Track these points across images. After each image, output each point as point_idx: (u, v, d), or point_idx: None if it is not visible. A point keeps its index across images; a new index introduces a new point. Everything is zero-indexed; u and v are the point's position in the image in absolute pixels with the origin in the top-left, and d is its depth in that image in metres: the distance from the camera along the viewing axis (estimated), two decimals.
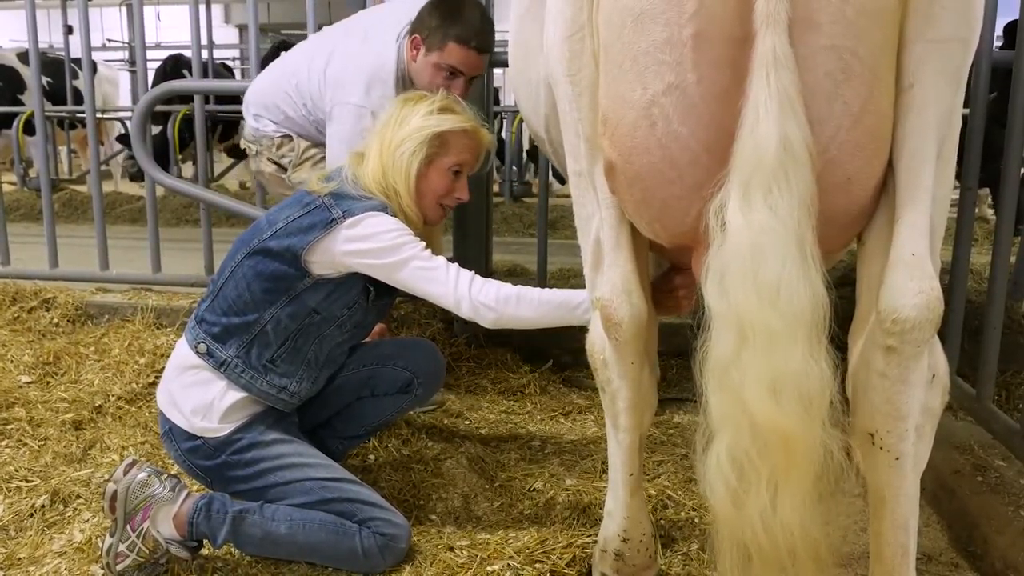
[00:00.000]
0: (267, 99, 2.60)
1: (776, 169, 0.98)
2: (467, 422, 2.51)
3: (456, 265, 1.71)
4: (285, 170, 2.62)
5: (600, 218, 1.37)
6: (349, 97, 2.34)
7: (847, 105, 1.04)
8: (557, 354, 2.95)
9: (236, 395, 1.75)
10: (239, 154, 6.43)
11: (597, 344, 1.48)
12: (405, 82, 2.32)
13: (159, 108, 5.51)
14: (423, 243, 1.72)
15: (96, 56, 9.01)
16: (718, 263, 1.01)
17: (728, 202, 1.01)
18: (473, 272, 1.71)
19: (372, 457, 2.23)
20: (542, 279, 3.14)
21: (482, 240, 3.10)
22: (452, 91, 2.10)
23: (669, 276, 1.57)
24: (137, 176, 6.52)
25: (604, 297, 1.39)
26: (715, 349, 1.01)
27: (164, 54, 7.54)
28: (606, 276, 1.39)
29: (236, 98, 6.65)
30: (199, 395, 1.74)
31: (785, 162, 0.98)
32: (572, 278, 3.60)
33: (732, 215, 1.00)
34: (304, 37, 2.87)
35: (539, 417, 2.56)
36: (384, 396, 1.98)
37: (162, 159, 5.18)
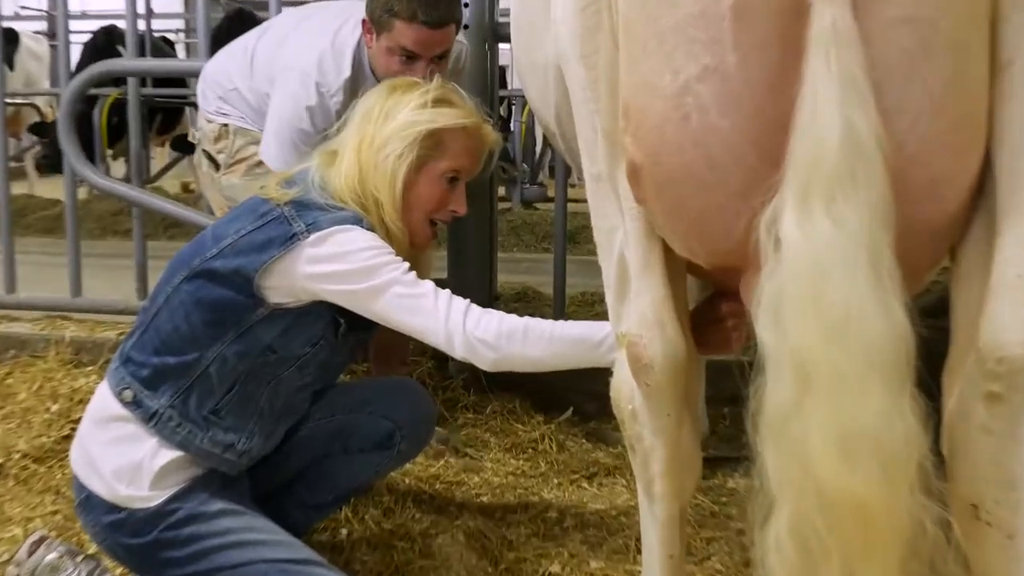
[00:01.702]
0: (218, 69, 2.71)
1: (840, 170, 0.99)
2: (464, 487, 2.50)
3: (447, 292, 1.73)
4: (219, 168, 2.69)
5: (624, 232, 1.38)
6: (298, 61, 2.44)
7: (928, 88, 1.05)
8: (578, 401, 2.95)
9: (170, 455, 1.75)
10: (183, 148, 6.48)
11: (624, 391, 1.48)
12: (365, 69, 2.48)
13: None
14: (406, 264, 1.74)
15: (19, 26, 9.11)
16: (771, 289, 1.02)
17: (782, 213, 1.02)
18: (469, 300, 1.73)
19: (344, 531, 2.23)
20: (559, 306, 3.15)
21: (484, 257, 3.12)
22: (413, 76, 2.15)
23: (714, 304, 1.57)
24: (48, 167, 6.52)
25: (631, 332, 1.39)
26: (771, 397, 1.01)
27: (92, 25, 7.65)
28: (633, 305, 1.39)
29: (179, 80, 6.81)
30: (124, 454, 1.75)
31: (852, 161, 0.99)
32: (598, 304, 3.60)
33: (787, 229, 1.01)
34: (264, 4, 2.94)
35: (556, 481, 2.56)
36: (359, 453, 2.00)
37: (85, 153, 5.22)
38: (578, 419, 2.94)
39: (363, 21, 2.42)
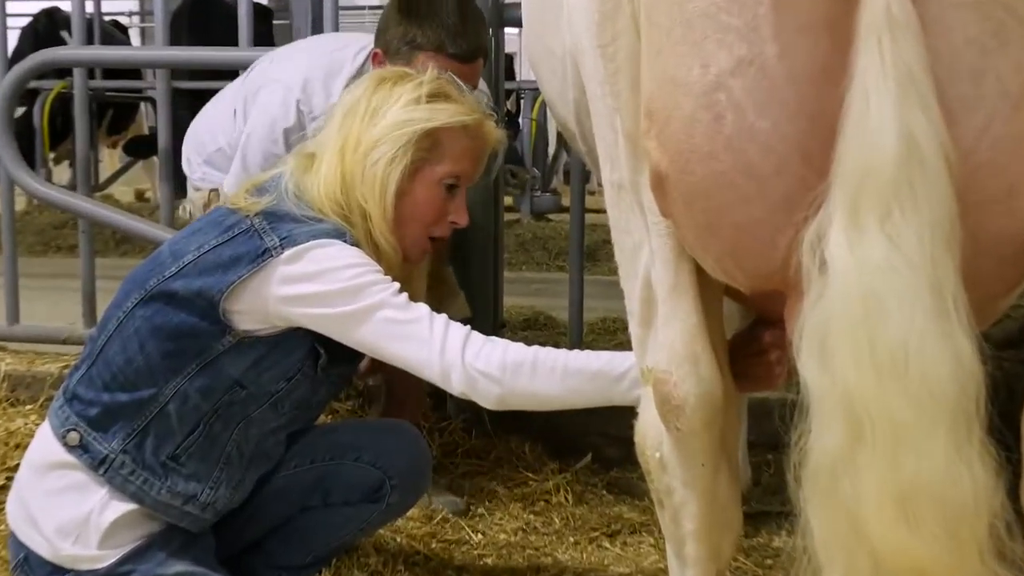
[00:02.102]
0: (199, 131, 2.80)
1: (897, 180, 1.00)
2: (466, 547, 2.49)
3: (444, 316, 1.74)
4: None
5: (650, 250, 1.39)
6: (284, 74, 2.47)
7: (1002, 84, 1.05)
8: (598, 445, 2.94)
9: (123, 508, 1.75)
10: (138, 151, 6.52)
11: (650, 436, 1.48)
12: None
13: None
14: (396, 285, 1.75)
15: None
16: (816, 320, 1.02)
17: (828, 230, 1.03)
18: (469, 328, 1.73)
19: None
20: (576, 335, 3.15)
21: (488, 276, 3.13)
22: None
23: (756, 332, 1.57)
24: None
25: (659, 367, 1.40)
26: (817, 447, 1.02)
27: (31, 7, 7.70)
28: (661, 336, 1.40)
29: (133, 71, 6.83)
30: (69, 507, 1.76)
31: (910, 169, 0.99)
32: (621, 332, 3.60)
33: (835, 249, 1.01)
34: None
35: (572, 539, 2.53)
36: (342, 506, 1.99)
37: (24, 157, 5.25)
38: (598, 467, 2.92)
39: (374, 54, 2.43)
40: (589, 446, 2.95)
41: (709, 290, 1.40)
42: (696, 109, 1.14)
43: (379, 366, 2.32)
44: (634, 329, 1.51)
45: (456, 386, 1.69)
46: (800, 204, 1.13)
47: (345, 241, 1.76)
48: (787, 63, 1.08)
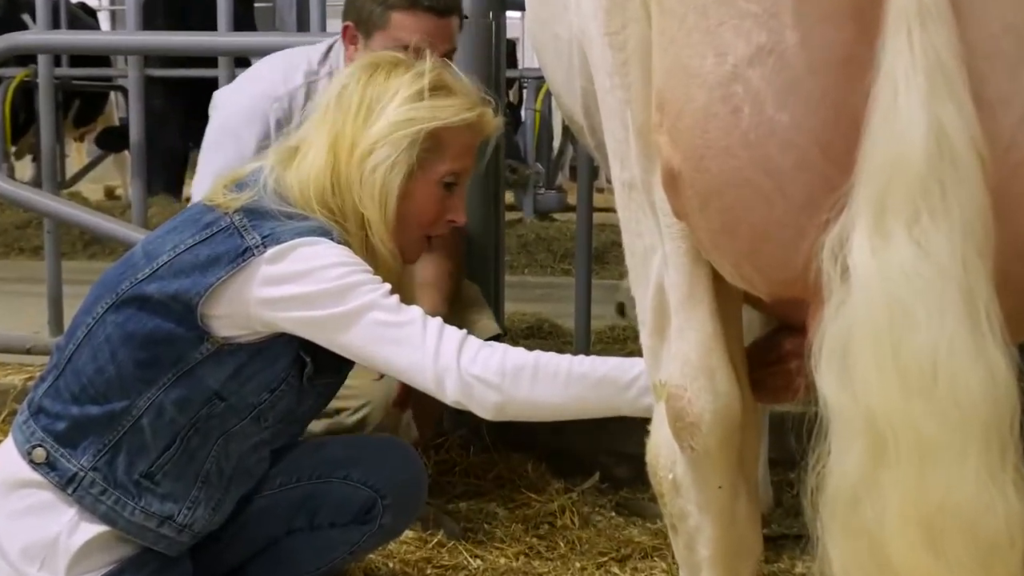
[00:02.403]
0: None
1: (926, 179, 1.00)
2: (464, 572, 2.49)
3: (438, 320, 1.74)
4: None
5: (663, 255, 1.39)
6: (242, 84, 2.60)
7: None
8: (607, 463, 2.94)
9: (93, 530, 1.75)
10: (109, 143, 6.51)
11: (663, 455, 1.48)
12: None
13: None
14: (387, 286, 1.75)
15: None
16: (837, 331, 1.02)
17: (851, 234, 1.03)
18: (465, 331, 1.74)
19: None
20: (583, 343, 3.16)
21: (488, 280, 3.12)
22: None
23: (776, 340, 1.57)
24: None
25: (672, 381, 1.39)
26: (837, 469, 1.01)
27: None
28: (674, 348, 1.39)
29: (102, 58, 6.80)
30: (35, 529, 1.76)
31: (940, 168, 1.00)
32: (631, 341, 3.60)
33: (858, 255, 1.01)
34: None
35: (578, 564, 2.52)
36: (330, 528, 2.00)
37: None
38: (606, 487, 2.93)
39: (344, 28, 2.51)
40: (597, 465, 2.95)
41: (727, 298, 1.39)
42: (711, 101, 1.14)
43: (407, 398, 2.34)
44: (645, 340, 1.51)
45: (451, 394, 1.69)
46: (823, 204, 1.12)
47: (331, 239, 1.76)
48: (809, 52, 1.08)
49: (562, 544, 2.62)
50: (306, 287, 1.71)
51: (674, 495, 1.47)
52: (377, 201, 1.80)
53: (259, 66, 2.75)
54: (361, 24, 2.47)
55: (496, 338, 2.64)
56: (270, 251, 1.72)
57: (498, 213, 3.20)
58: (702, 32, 1.13)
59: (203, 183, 2.50)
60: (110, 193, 8.53)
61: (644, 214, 1.42)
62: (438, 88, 1.85)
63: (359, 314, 1.70)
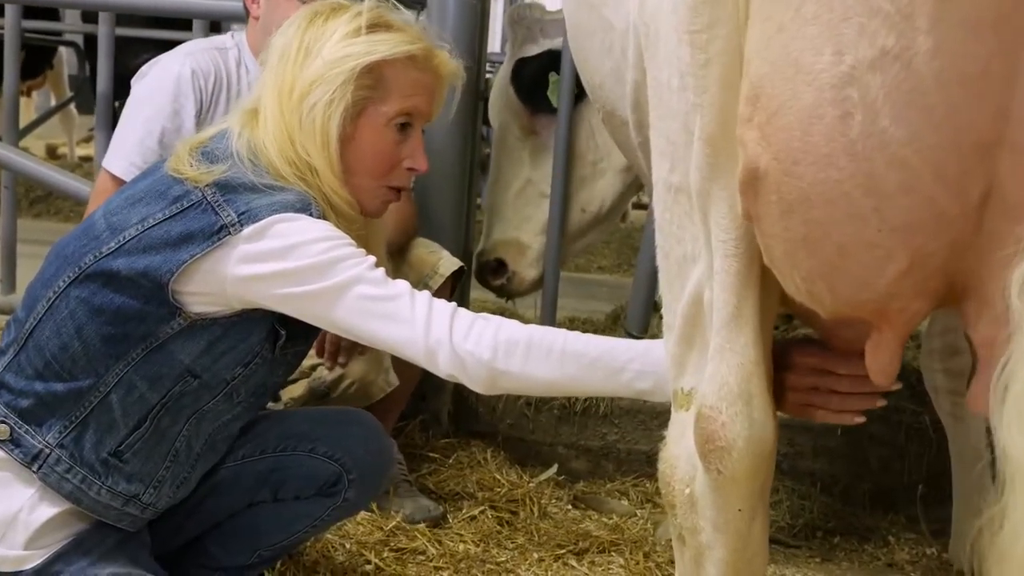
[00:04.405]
0: None
1: None
2: (421, 557, 2.42)
3: (427, 293, 1.67)
4: None
5: (709, 267, 1.30)
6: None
7: None
8: (565, 456, 2.92)
9: (56, 507, 1.69)
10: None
11: (681, 469, 1.41)
12: (234, 65, 2.56)
13: None
14: (372, 259, 1.67)
15: None
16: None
17: None
18: (455, 304, 1.67)
19: None
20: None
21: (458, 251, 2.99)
22: None
23: (804, 353, 1.48)
24: None
25: (707, 402, 1.32)
26: (1022, 537, 0.90)
27: None
28: (712, 367, 1.32)
29: (49, 11, 6.50)
30: None
31: None
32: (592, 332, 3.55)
33: None
34: None
35: (536, 555, 2.48)
36: (293, 501, 1.94)
37: None
38: (564, 479, 2.91)
39: None
40: (555, 456, 2.93)
41: (768, 315, 1.32)
42: (819, 103, 1.03)
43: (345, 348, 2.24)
44: (671, 346, 1.42)
45: (443, 367, 1.62)
46: (922, 229, 1.05)
47: (311, 214, 1.67)
48: (941, 62, 0.97)
49: (520, 536, 2.58)
50: (288, 263, 1.63)
51: (688, 510, 1.40)
52: (319, 143, 1.70)
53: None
54: None
55: (459, 272, 2.66)
56: (247, 229, 1.63)
57: (470, 200, 3.12)
58: (822, 24, 1.01)
59: (124, 146, 2.46)
60: (52, 152, 8.20)
61: (690, 221, 1.32)
62: (377, 25, 1.75)
63: (344, 289, 1.62)
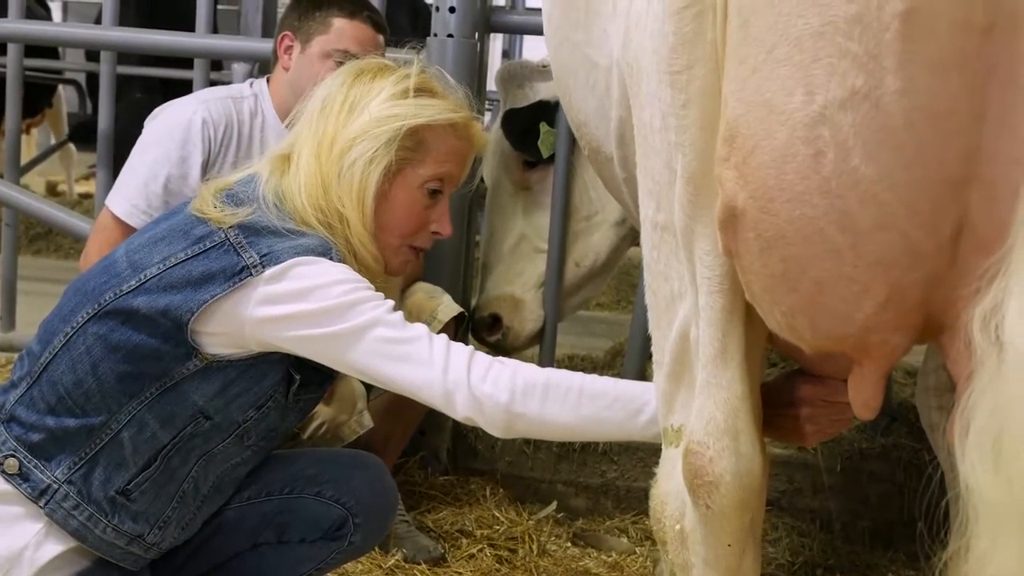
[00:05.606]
0: None
1: None
2: None
3: (444, 336, 1.68)
4: None
5: (695, 304, 1.31)
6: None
7: None
8: (564, 493, 2.91)
9: (60, 546, 1.67)
10: (83, 136, 6.29)
11: (671, 505, 1.42)
12: (253, 117, 2.62)
13: None
14: (390, 302, 1.68)
15: None
16: (988, 409, 0.91)
17: (1007, 303, 0.91)
18: (472, 347, 1.67)
19: None
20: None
21: (457, 294, 2.98)
22: None
23: (791, 384, 1.51)
24: None
25: (694, 438, 1.33)
26: (987, 564, 0.91)
27: None
28: (699, 402, 1.33)
29: (50, 50, 6.53)
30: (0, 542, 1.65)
31: None
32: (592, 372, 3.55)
33: (1016, 327, 0.90)
34: None
35: None
36: (298, 544, 1.94)
37: None
38: (563, 516, 2.91)
39: (281, 38, 2.60)
40: (554, 494, 2.92)
41: (755, 352, 1.33)
42: (792, 141, 1.05)
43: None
44: (660, 383, 1.43)
45: (461, 409, 1.62)
46: (897, 263, 1.06)
47: (331, 258, 1.68)
48: (909, 101, 0.99)
49: (520, 572, 2.57)
50: (307, 305, 1.63)
51: (679, 546, 1.41)
52: (355, 198, 1.73)
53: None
54: (300, 31, 2.54)
55: (459, 318, 2.71)
56: (269, 271, 1.64)
57: (469, 236, 3.13)
58: (793, 66, 1.03)
59: (128, 187, 2.50)
60: (52, 189, 8.21)
61: (676, 259, 1.33)
62: (423, 89, 1.80)
63: (363, 331, 1.63)
